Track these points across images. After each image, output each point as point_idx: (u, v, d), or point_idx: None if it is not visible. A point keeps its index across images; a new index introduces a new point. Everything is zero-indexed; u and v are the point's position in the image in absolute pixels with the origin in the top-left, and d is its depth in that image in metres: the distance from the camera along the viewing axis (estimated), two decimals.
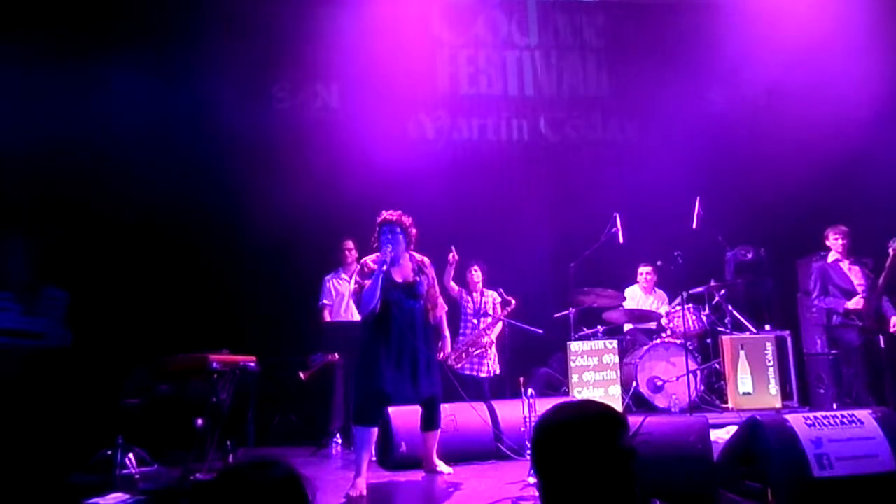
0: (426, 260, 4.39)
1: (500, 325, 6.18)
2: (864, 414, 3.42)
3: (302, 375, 5.61)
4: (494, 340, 6.13)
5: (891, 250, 5.68)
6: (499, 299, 6.20)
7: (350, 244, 6.00)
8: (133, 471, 4.18)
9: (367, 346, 4.10)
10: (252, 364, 4.67)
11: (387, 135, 7.03)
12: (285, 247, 6.45)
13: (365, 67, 7.02)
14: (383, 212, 4.24)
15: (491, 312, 6.17)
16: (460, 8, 7.70)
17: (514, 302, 6.13)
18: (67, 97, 5.99)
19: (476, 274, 6.24)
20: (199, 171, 6.29)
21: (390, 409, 4.87)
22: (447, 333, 4.64)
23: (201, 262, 6.41)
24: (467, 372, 6.06)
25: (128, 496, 3.79)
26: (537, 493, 1.49)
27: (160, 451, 4.58)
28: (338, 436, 5.52)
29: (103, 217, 6.10)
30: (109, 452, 4.21)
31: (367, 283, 4.02)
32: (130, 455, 4.24)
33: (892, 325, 5.65)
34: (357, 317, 5.66)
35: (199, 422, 4.24)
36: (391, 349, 4.05)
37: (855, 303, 5.71)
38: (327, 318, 5.91)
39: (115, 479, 4.10)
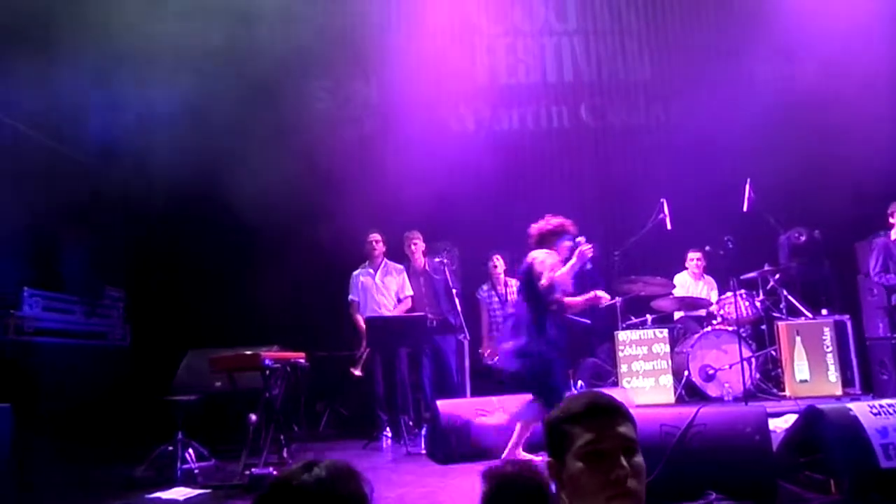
0: None
1: None
2: None
3: (355, 372, 5.65)
4: None
5: None
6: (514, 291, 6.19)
7: (377, 236, 6.02)
8: (193, 466, 4.31)
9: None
10: (302, 360, 4.76)
11: (427, 129, 7.03)
12: (330, 243, 6.52)
13: (403, 62, 7.03)
14: (570, 222, 4.48)
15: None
16: None
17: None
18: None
19: (499, 263, 6.20)
20: (246, 169, 6.40)
21: (439, 403, 4.90)
22: None
23: (250, 260, 6.54)
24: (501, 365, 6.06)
25: (189, 490, 3.90)
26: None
27: (216, 447, 4.70)
28: (388, 429, 5.57)
29: (155, 216, 6.28)
30: (170, 448, 4.34)
31: (565, 270, 4.24)
32: (189, 450, 4.37)
33: None
34: (386, 311, 5.77)
35: (253, 417, 4.34)
36: None
37: None
38: (356, 313, 5.94)
39: (176, 474, 4.23)
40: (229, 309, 6.22)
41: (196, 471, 4.27)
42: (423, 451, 4.99)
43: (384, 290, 5.98)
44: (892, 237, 5.82)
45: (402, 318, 5.80)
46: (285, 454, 4.46)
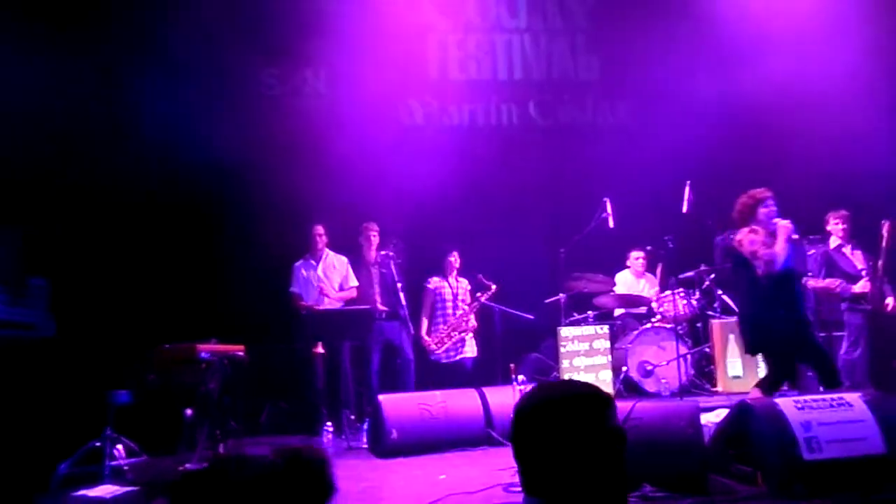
0: None
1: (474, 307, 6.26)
2: (853, 397, 3.44)
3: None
4: (476, 324, 6.21)
5: (884, 231, 5.71)
6: (468, 287, 6.24)
7: (320, 229, 5.97)
8: (122, 462, 4.15)
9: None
10: (241, 353, 4.64)
11: (376, 121, 6.96)
12: (272, 233, 6.38)
13: (353, 52, 6.92)
14: (759, 190, 4.56)
15: (467, 297, 6.26)
16: None
17: (493, 287, 6.14)
18: (43, 80, 5.86)
19: (456, 260, 6.26)
20: (186, 158, 6.20)
21: (381, 397, 4.87)
22: None
23: (188, 250, 6.34)
24: (455, 358, 6.09)
25: (117, 487, 3.76)
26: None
27: (150, 443, 4.54)
28: (328, 423, 5.50)
29: (88, 206, 6.02)
30: (98, 444, 4.16)
31: (779, 246, 4.33)
32: (119, 446, 4.21)
33: (889, 305, 5.71)
34: (328, 304, 5.73)
35: (189, 412, 4.21)
36: None
37: (861, 286, 5.74)
38: (299, 305, 5.85)
39: (104, 471, 4.06)
40: (165, 301, 6.01)
41: (126, 467, 4.12)
42: (365, 446, 4.96)
43: (327, 281, 5.91)
44: (831, 246, 6.08)
45: (346, 310, 5.74)
46: (221, 450, 4.34)
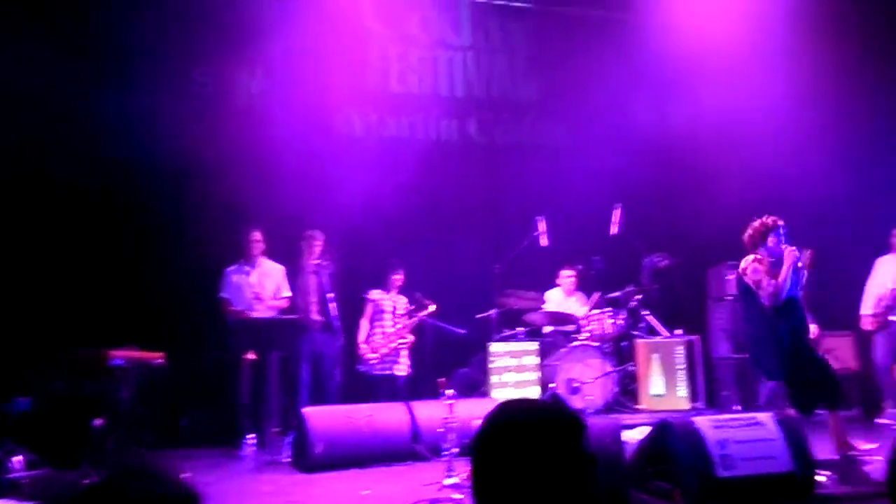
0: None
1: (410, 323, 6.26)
2: (765, 416, 3.59)
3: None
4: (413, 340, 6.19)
5: (805, 259, 6.03)
6: (406, 304, 6.26)
7: (258, 235, 5.81)
8: (20, 475, 3.86)
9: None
10: (159, 360, 4.43)
11: (314, 128, 6.85)
12: (203, 237, 6.16)
13: (292, 57, 6.81)
14: (770, 217, 4.63)
15: (403, 311, 6.25)
16: (393, 4, 7.61)
17: (433, 306, 6.16)
18: None
19: (400, 279, 6.25)
20: (109, 152, 5.93)
21: (306, 410, 4.76)
22: None
23: (109, 252, 6.03)
24: (386, 371, 6.03)
25: (13, 502, 3.49)
26: (461, 499, 1.35)
27: (53, 455, 4.25)
28: (250, 436, 5.31)
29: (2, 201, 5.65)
30: None
31: (782, 277, 4.41)
32: (17, 458, 3.91)
33: (812, 332, 6.04)
34: (260, 312, 5.58)
35: (97, 422, 3.97)
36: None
37: None
38: (229, 311, 5.68)
39: None
40: (81, 305, 5.68)
41: (25, 480, 3.83)
42: (288, 460, 4.81)
43: (260, 289, 5.74)
44: None
45: (275, 320, 5.60)
46: (128, 463, 4.11)
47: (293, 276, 5.94)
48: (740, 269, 4.62)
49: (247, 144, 6.37)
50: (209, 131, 6.41)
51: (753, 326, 4.72)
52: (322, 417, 4.70)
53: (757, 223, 4.64)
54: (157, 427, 5.08)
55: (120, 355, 4.04)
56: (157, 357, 4.45)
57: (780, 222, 4.58)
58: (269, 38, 6.63)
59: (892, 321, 5.77)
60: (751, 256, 4.58)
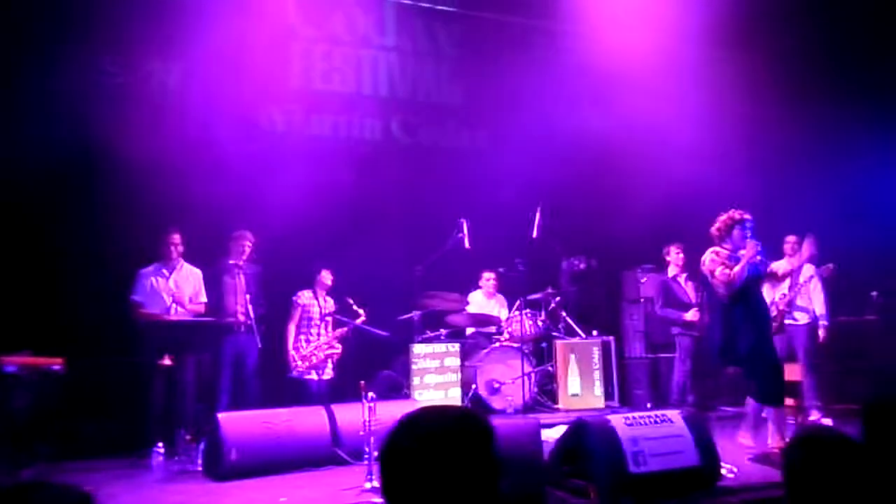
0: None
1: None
2: (674, 414, 3.75)
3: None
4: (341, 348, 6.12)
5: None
6: (334, 307, 6.20)
7: (177, 238, 5.58)
8: None
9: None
10: (57, 366, 4.15)
11: (234, 124, 6.62)
12: (104, 236, 5.83)
13: (210, 50, 6.54)
14: (737, 212, 4.77)
15: (330, 316, 6.17)
16: (317, 1, 7.48)
17: (363, 314, 6.11)
18: None
19: (328, 279, 6.16)
20: (4, 144, 5.51)
21: (221, 415, 4.59)
22: None
23: (8, 252, 5.61)
24: (310, 376, 5.92)
25: None
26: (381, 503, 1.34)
27: None
28: (160, 444, 5.07)
29: None
30: None
31: (738, 268, 4.57)
32: None
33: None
34: (177, 316, 5.35)
35: None
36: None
37: (692, 315, 6.32)
38: (141, 315, 5.41)
39: None
40: None
41: None
42: (200, 468, 4.62)
43: (177, 293, 5.50)
44: (669, 274, 6.66)
45: (191, 322, 5.37)
46: (27, 475, 3.84)
47: (217, 276, 5.73)
48: (701, 261, 4.80)
49: (163, 140, 6.08)
50: (120, 125, 6.07)
51: (711, 316, 4.91)
52: (237, 423, 4.55)
53: (724, 216, 4.81)
54: (57, 437, 4.75)
55: (13, 361, 3.75)
56: (56, 363, 4.17)
57: (747, 216, 4.76)
58: (186, 30, 6.35)
59: (788, 325, 6.15)
60: (709, 250, 4.76)
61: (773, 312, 6.40)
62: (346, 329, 6.13)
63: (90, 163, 5.77)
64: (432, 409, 1.34)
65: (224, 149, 6.22)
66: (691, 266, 6.56)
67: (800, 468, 1.73)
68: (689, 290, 6.53)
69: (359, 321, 6.12)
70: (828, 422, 5.66)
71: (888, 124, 7.03)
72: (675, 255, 6.59)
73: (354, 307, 6.14)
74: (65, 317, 5.55)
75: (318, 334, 6.10)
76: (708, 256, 4.74)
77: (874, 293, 6.65)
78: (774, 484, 3.48)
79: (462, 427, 1.27)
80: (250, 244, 5.83)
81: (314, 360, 5.98)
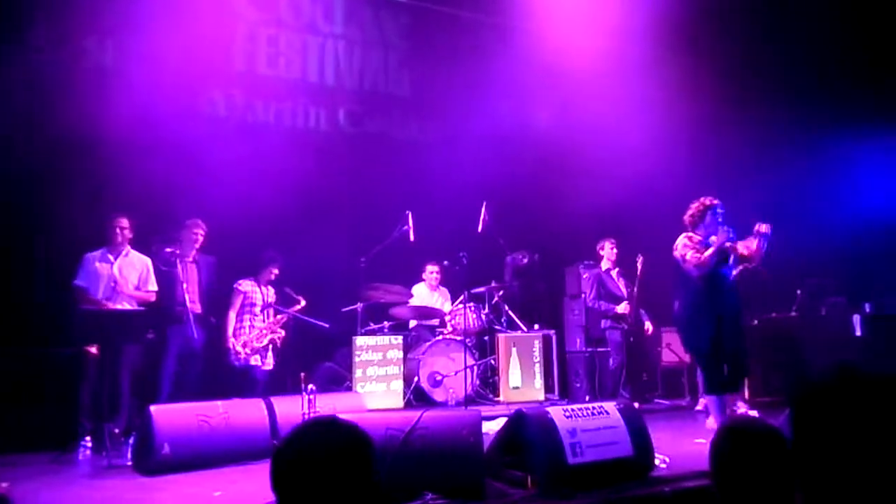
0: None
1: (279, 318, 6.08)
2: (610, 405, 3.83)
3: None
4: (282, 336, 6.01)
5: (638, 264, 6.56)
6: (275, 297, 6.09)
7: (124, 222, 5.37)
8: None
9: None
10: None
11: (173, 107, 6.38)
12: (35, 221, 5.54)
13: (148, 28, 6.30)
14: (708, 198, 4.89)
15: (270, 306, 6.05)
16: None
17: (303, 302, 6.02)
18: None
19: (274, 273, 6.07)
20: None
21: (153, 408, 4.42)
22: None
23: None
24: (255, 362, 5.81)
25: None
26: None
27: None
28: (87, 438, 4.86)
29: None
30: None
31: (708, 253, 4.67)
32: None
33: (648, 330, 6.58)
34: (121, 304, 5.15)
35: None
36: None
37: (623, 308, 6.49)
38: (85, 300, 5.18)
39: None
40: None
41: None
42: (130, 463, 4.45)
43: (122, 280, 5.28)
44: (603, 268, 6.81)
45: (130, 312, 5.17)
46: None
47: (164, 264, 5.53)
48: (673, 247, 4.88)
49: (99, 121, 5.80)
50: (54, 103, 5.78)
51: (681, 303, 4.99)
52: (170, 415, 4.39)
53: (696, 203, 4.93)
54: None
55: None
56: None
57: (717, 202, 4.89)
58: (121, 5, 6.08)
59: None
60: (682, 235, 4.85)
61: None
62: (284, 316, 6.01)
63: (18, 142, 5.46)
64: (320, 422, 1.46)
65: (163, 132, 6.02)
66: (624, 262, 6.75)
67: (726, 457, 1.80)
68: (620, 284, 6.71)
69: (298, 308, 6.02)
70: (754, 413, 5.91)
71: (821, 127, 7.36)
72: (608, 250, 6.77)
73: (294, 296, 6.06)
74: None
75: (261, 321, 5.98)
76: (680, 241, 4.84)
77: (798, 291, 6.97)
78: (705, 473, 3.60)
79: (344, 443, 1.39)
80: (203, 233, 5.71)
81: (256, 344, 5.85)
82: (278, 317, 6.03)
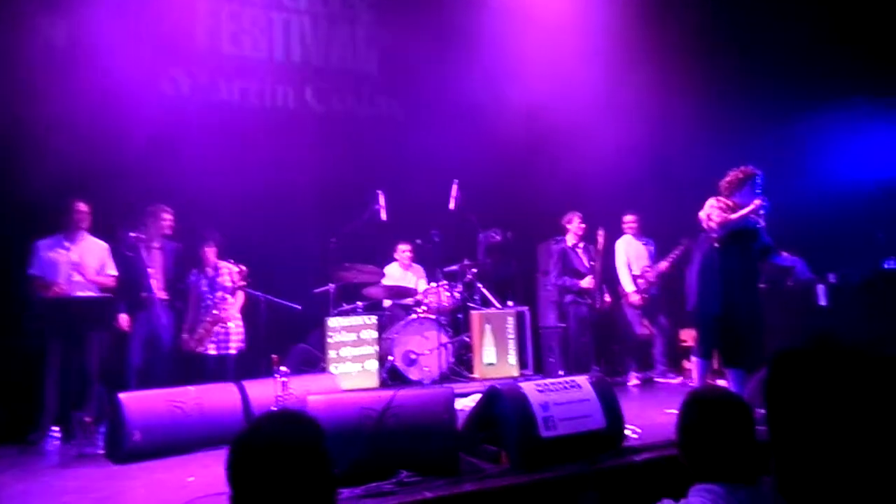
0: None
1: (241, 296, 5.87)
2: (582, 379, 3.87)
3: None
4: (240, 315, 5.82)
5: (599, 237, 6.61)
6: (235, 269, 5.80)
7: (83, 206, 5.23)
8: None
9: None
10: None
11: (132, 87, 6.19)
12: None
13: (103, 6, 6.08)
14: (750, 167, 4.84)
15: (229, 284, 5.76)
16: None
17: (244, 268, 5.78)
18: None
19: (211, 252, 5.79)
20: None
21: (123, 395, 4.36)
22: None
23: None
24: (213, 352, 5.67)
25: None
26: None
27: None
28: (55, 428, 4.77)
29: None
30: None
31: (737, 215, 4.69)
32: None
33: (607, 302, 6.67)
34: (80, 291, 5.04)
35: None
36: None
37: (587, 283, 6.55)
38: (41, 289, 5.05)
39: None
40: None
41: None
42: (101, 452, 4.39)
43: (81, 267, 5.14)
44: (568, 244, 6.84)
45: (94, 298, 5.05)
46: None
47: (128, 250, 5.39)
48: (700, 214, 4.86)
49: (52, 102, 5.61)
50: (4, 84, 5.57)
51: (701, 267, 5.00)
52: (140, 402, 4.34)
53: (736, 171, 4.87)
54: None
55: None
56: None
57: (758, 172, 4.85)
58: None
59: (648, 298, 6.87)
60: (711, 199, 4.82)
61: (640, 287, 6.83)
62: (235, 288, 5.75)
63: None
64: (273, 417, 1.48)
65: (123, 113, 5.86)
66: (589, 236, 6.78)
67: (692, 426, 1.83)
68: (584, 259, 6.75)
69: (242, 274, 5.75)
70: (722, 383, 6.03)
71: (785, 98, 7.42)
72: (576, 225, 6.78)
73: (234, 265, 5.78)
74: None
75: (213, 307, 5.75)
76: (709, 202, 4.81)
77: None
78: (674, 443, 3.67)
79: (297, 438, 1.41)
80: (170, 218, 5.60)
81: (207, 337, 5.66)
82: (221, 297, 5.73)
